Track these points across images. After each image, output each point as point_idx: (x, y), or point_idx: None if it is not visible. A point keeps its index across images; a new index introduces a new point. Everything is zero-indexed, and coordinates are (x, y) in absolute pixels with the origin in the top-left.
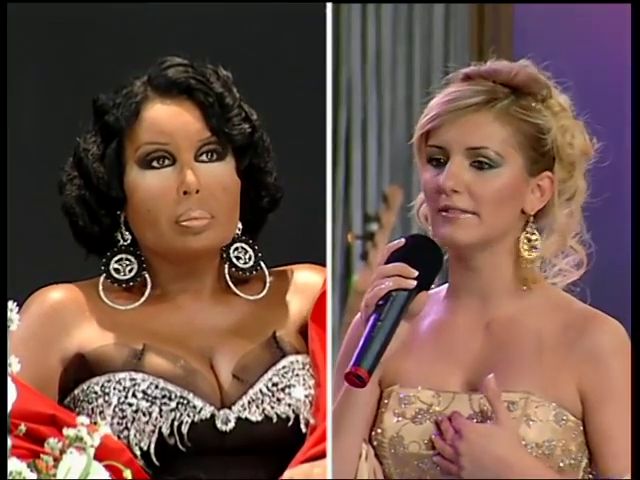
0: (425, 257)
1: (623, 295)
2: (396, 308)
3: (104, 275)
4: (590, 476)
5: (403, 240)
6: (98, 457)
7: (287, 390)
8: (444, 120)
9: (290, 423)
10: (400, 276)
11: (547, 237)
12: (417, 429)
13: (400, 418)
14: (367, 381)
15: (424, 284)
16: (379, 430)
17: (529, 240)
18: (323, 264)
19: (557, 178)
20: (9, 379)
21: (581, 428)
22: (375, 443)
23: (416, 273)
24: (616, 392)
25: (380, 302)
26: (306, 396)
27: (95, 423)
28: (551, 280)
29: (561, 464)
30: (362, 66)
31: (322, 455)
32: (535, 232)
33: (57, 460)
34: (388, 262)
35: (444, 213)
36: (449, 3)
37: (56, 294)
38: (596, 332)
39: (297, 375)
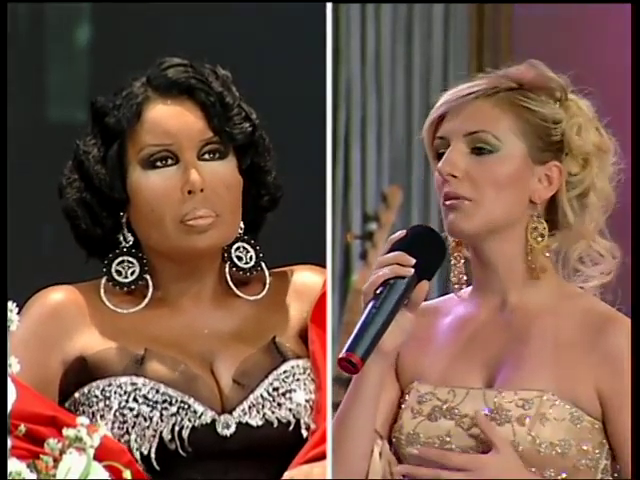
0: (425, 246)
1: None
2: (393, 296)
3: (105, 277)
4: (610, 478)
5: (405, 231)
6: (98, 458)
7: (288, 395)
8: (447, 110)
9: (291, 428)
10: (398, 264)
11: (563, 230)
12: (432, 426)
13: (417, 415)
14: (360, 367)
15: (424, 273)
16: (397, 427)
17: (536, 228)
18: (322, 264)
19: (566, 170)
20: (9, 379)
21: (597, 428)
22: (394, 440)
23: (414, 261)
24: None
25: (378, 290)
26: (307, 401)
27: (95, 424)
28: (579, 284)
29: (577, 464)
30: (361, 66)
31: (322, 457)
32: (543, 222)
33: (57, 460)
34: (389, 253)
35: (447, 202)
36: (449, 3)
37: (57, 295)
38: (616, 334)
39: (298, 380)
